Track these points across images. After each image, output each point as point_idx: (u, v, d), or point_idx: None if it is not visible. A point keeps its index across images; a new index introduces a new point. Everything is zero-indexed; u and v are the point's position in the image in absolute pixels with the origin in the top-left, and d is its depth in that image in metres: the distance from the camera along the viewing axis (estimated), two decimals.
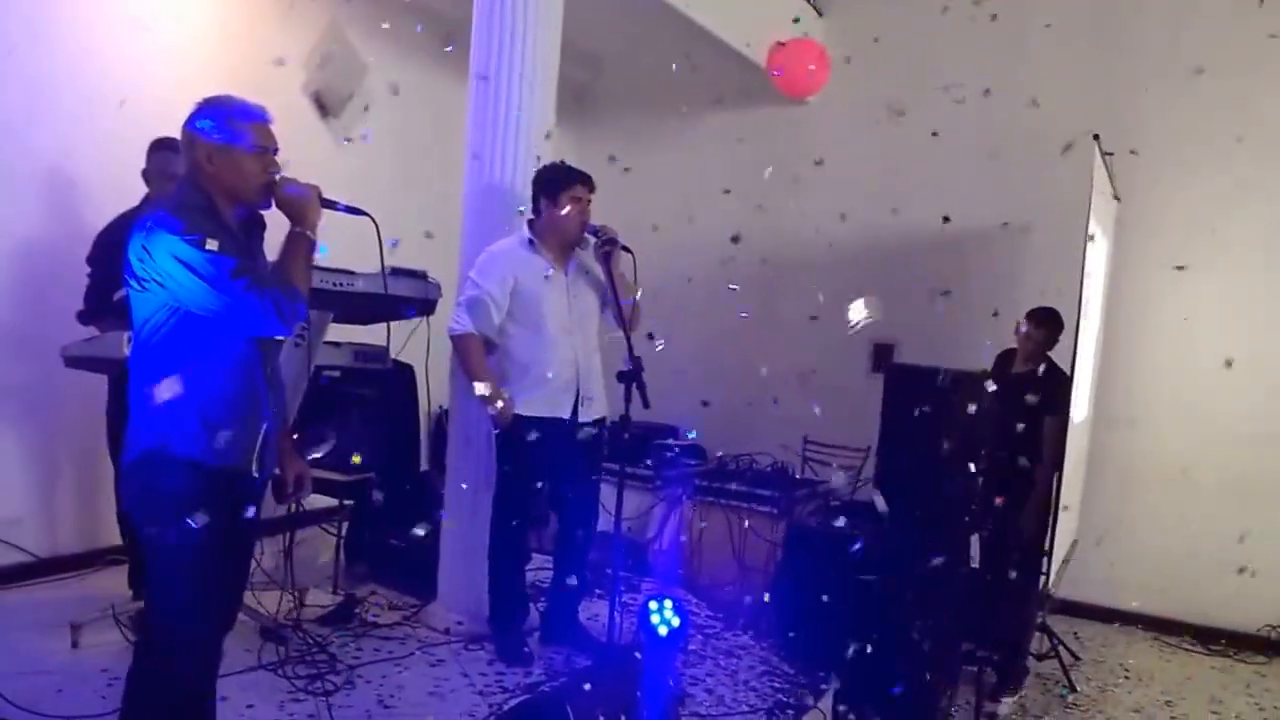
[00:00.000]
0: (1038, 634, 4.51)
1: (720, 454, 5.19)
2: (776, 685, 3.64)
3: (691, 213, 6.20)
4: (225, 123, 2.22)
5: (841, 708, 3.65)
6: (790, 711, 3.43)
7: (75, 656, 3.19)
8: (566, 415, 3.54)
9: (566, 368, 3.54)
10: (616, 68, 6.84)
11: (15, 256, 3.82)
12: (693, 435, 5.15)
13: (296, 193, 2.28)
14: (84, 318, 3.46)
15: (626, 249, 3.55)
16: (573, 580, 3.65)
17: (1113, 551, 5.27)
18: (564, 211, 3.50)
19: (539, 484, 3.59)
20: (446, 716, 2.99)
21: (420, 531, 3.56)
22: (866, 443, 4.85)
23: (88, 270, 3.49)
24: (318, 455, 3.67)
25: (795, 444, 5.52)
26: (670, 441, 5.22)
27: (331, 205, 2.38)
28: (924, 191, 5.79)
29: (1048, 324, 4.29)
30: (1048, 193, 5.29)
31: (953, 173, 5.72)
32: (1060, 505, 4.06)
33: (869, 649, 3.59)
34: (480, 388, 3.47)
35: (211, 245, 2.10)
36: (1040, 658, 4.52)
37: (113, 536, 3.90)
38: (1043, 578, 4.09)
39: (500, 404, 3.42)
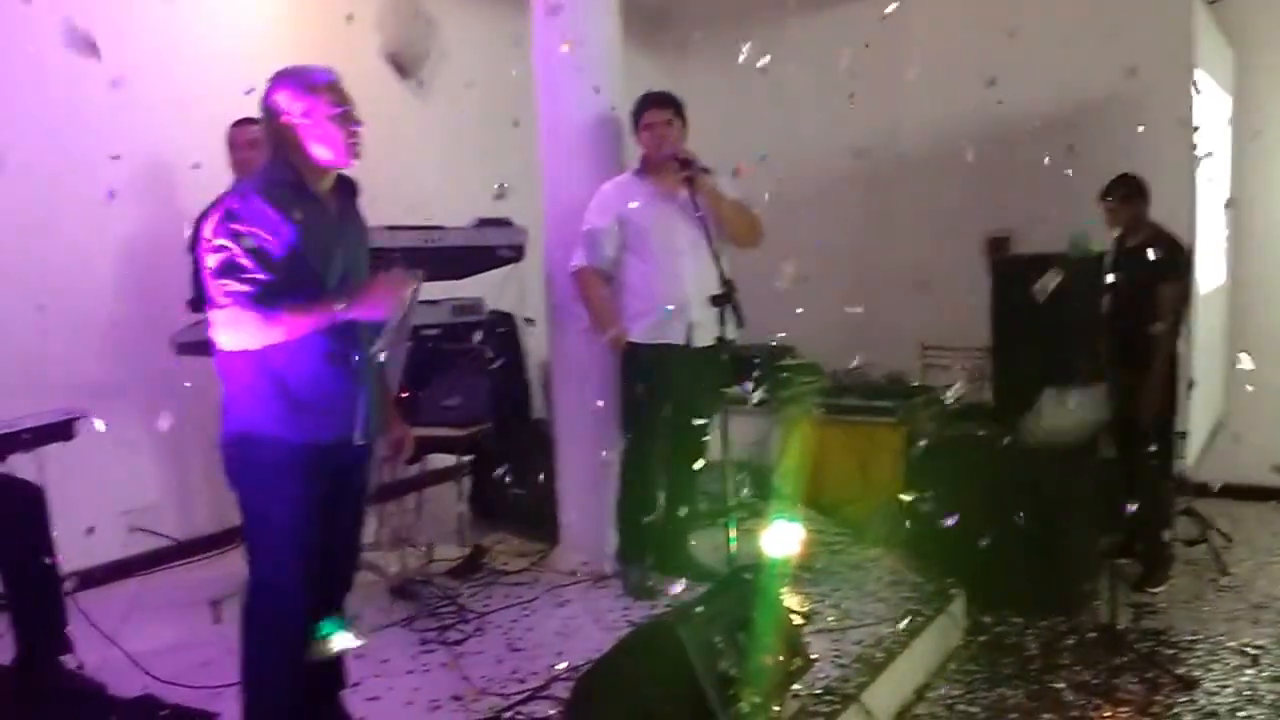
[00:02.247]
0: (1185, 518, 4.28)
1: (834, 368, 5.07)
2: (905, 595, 3.58)
3: (789, 120, 6.01)
4: (300, 91, 2.23)
5: (974, 609, 3.58)
6: (921, 619, 3.36)
7: (217, 631, 3.33)
8: (679, 340, 3.52)
9: (676, 294, 3.51)
10: None
11: (122, 252, 3.99)
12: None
13: (384, 290, 2.22)
14: (195, 304, 3.60)
15: (706, 169, 3.47)
16: (683, 510, 3.66)
17: (1263, 427, 4.92)
18: (642, 138, 3.55)
19: (661, 411, 3.59)
20: (575, 654, 3.03)
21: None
22: (986, 342, 4.65)
23: (191, 257, 3.62)
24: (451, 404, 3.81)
25: (912, 351, 5.35)
26: (785, 361, 5.12)
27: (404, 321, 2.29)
28: (1026, 69, 5.43)
29: (1117, 190, 4.04)
30: (1155, 51, 4.88)
31: (1055, 44, 5.33)
32: (1188, 380, 3.83)
33: (1003, 549, 3.50)
34: (593, 320, 3.59)
35: (250, 244, 2.12)
36: (1190, 543, 4.29)
37: None
38: (1179, 461, 3.87)
39: (612, 333, 3.49)
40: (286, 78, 2.27)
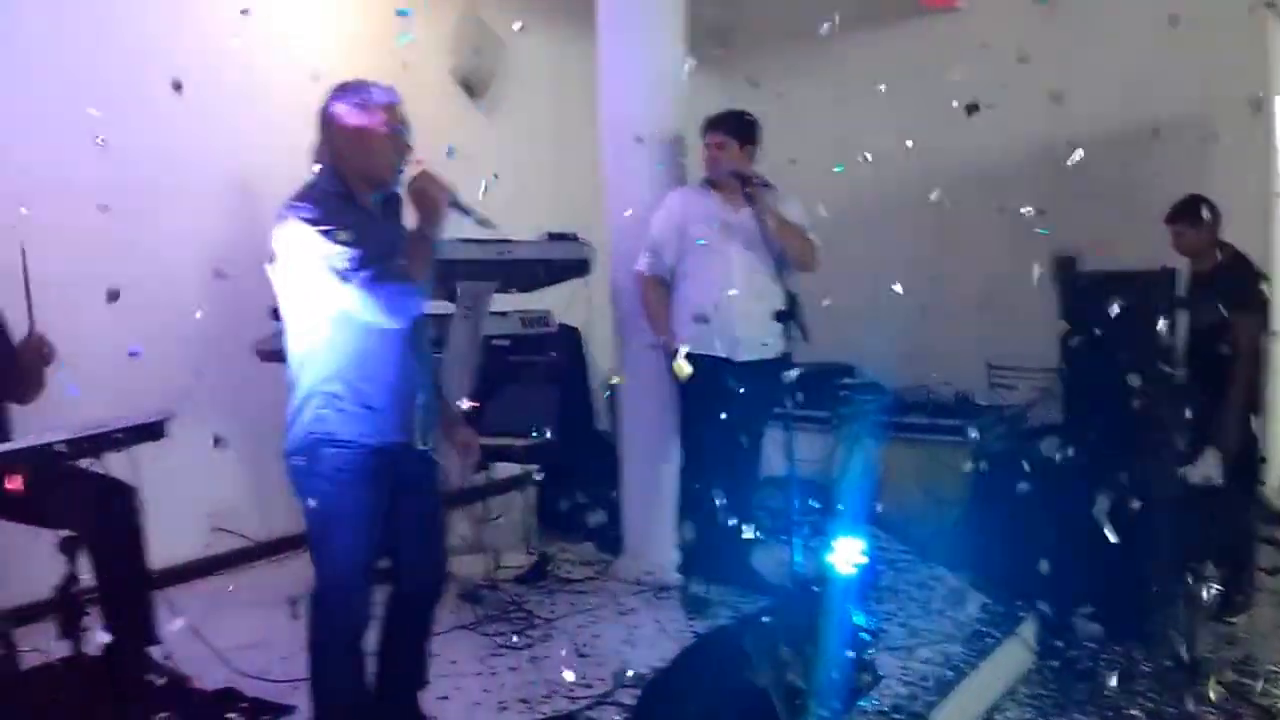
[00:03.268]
0: (1267, 546, 4.15)
1: (898, 386, 5.03)
2: (973, 615, 3.53)
3: (850, 136, 5.98)
4: (357, 107, 2.29)
5: (1046, 633, 3.51)
6: (989, 639, 3.32)
7: (295, 627, 3.42)
8: (722, 354, 3.56)
9: (726, 305, 3.54)
10: (757, 3, 6.65)
11: (210, 261, 4.11)
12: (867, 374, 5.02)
13: (429, 192, 2.28)
14: (278, 314, 3.71)
15: (767, 184, 3.51)
16: (738, 524, 3.65)
17: None
18: (703, 157, 3.64)
19: (716, 423, 3.59)
20: (641, 661, 3.07)
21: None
22: (1054, 363, 4.59)
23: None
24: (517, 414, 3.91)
25: (978, 370, 5.28)
26: (846, 380, 5.11)
27: (464, 212, 2.36)
28: (1092, 83, 5.35)
29: (1184, 213, 3.93)
30: (1230, 71, 4.79)
31: (1124, 58, 5.25)
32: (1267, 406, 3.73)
33: (1078, 572, 3.44)
34: (651, 327, 3.68)
35: (342, 236, 2.16)
36: (1271, 572, 4.16)
37: None
38: (1260, 488, 3.76)
39: (664, 340, 3.57)
40: (347, 92, 2.32)
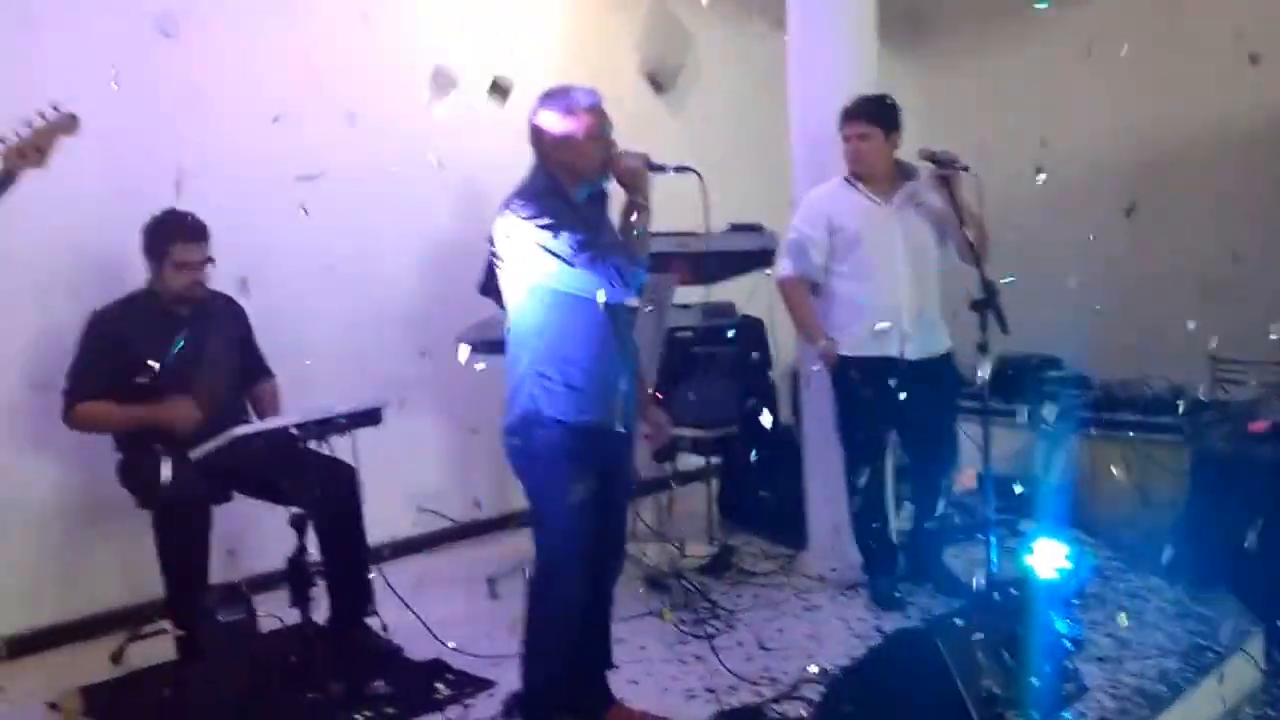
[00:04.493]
0: None
1: (1108, 380, 4.72)
2: (1191, 628, 3.27)
3: (1050, 117, 5.69)
4: (563, 113, 2.42)
5: (1276, 650, 3.21)
6: (1210, 655, 3.06)
7: (494, 605, 3.65)
8: (894, 353, 3.41)
9: (889, 304, 3.41)
10: None
11: (434, 260, 4.38)
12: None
13: (628, 165, 2.42)
14: (482, 288, 3.81)
15: (964, 168, 3.32)
16: (931, 523, 3.56)
17: None
18: (844, 151, 3.48)
19: (880, 426, 3.51)
20: (825, 657, 3.04)
21: None
22: None
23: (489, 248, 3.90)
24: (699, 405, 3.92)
25: (1198, 363, 4.88)
26: (1049, 373, 4.84)
27: (660, 169, 2.47)
28: None
29: None
30: None
31: None
32: None
33: None
34: (802, 330, 3.57)
35: (560, 223, 2.31)
36: None
37: (523, 501, 4.37)
38: None
39: (823, 344, 3.46)
40: (553, 97, 2.46)
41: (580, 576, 2.45)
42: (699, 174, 2.51)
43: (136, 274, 3.18)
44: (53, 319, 3.29)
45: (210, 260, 3.15)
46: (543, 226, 2.32)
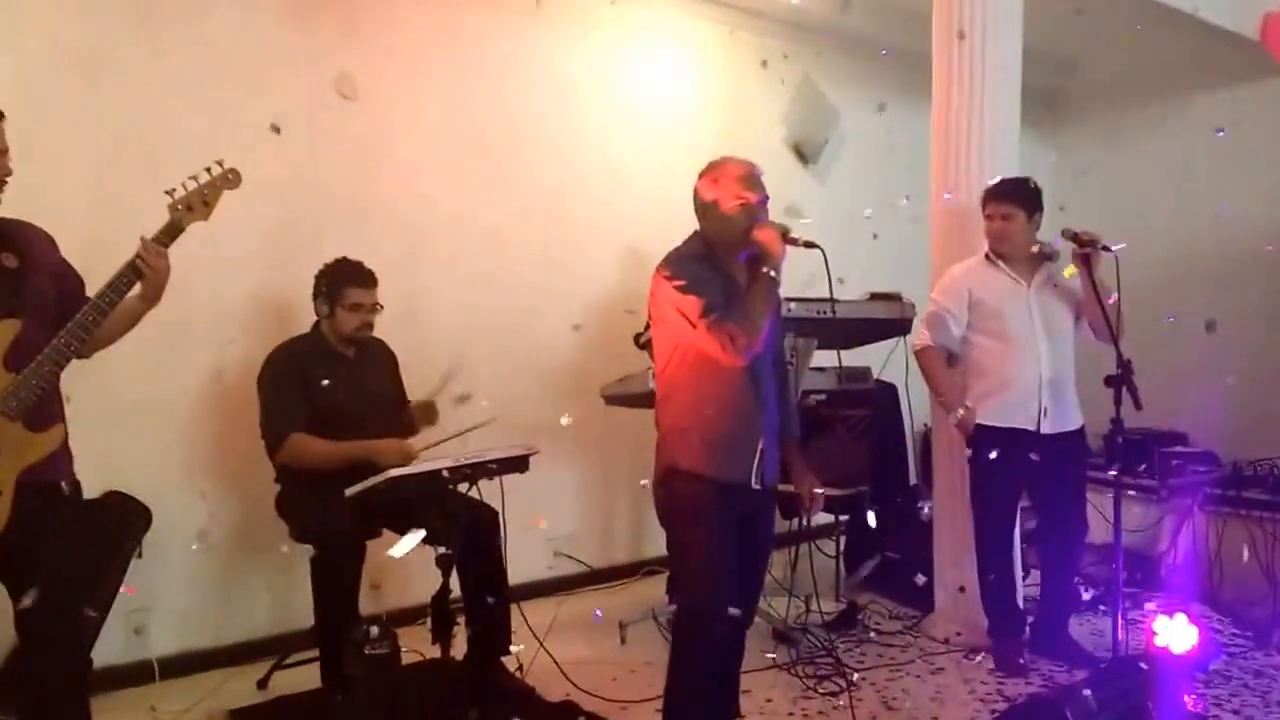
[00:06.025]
0: None
1: (1238, 459, 4.70)
2: None
3: (1184, 200, 5.71)
4: (714, 182, 2.61)
5: None
6: None
7: (624, 651, 3.79)
8: (1030, 426, 3.52)
9: (1028, 378, 3.53)
10: (1091, 68, 6.43)
11: (597, 310, 4.68)
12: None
13: (764, 235, 2.50)
14: (637, 341, 4.00)
15: (1106, 248, 3.42)
16: (1059, 591, 3.63)
17: None
18: (987, 229, 3.63)
19: (1012, 494, 3.62)
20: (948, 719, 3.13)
21: None
22: None
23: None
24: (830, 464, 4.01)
25: None
26: (1176, 449, 4.85)
27: (792, 242, 2.53)
28: None
29: None
30: None
31: None
32: None
33: None
34: (938, 398, 3.69)
35: (691, 286, 2.46)
36: None
37: (655, 550, 4.56)
38: None
39: (960, 413, 3.56)
40: (712, 167, 2.65)
41: (719, 625, 2.53)
42: (823, 250, 2.58)
43: (300, 317, 3.47)
44: (222, 357, 3.59)
45: (379, 306, 3.40)
46: (677, 287, 2.48)
